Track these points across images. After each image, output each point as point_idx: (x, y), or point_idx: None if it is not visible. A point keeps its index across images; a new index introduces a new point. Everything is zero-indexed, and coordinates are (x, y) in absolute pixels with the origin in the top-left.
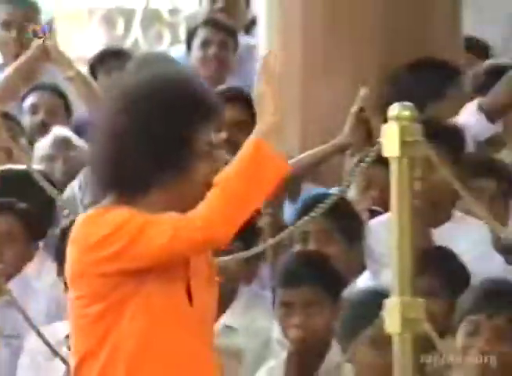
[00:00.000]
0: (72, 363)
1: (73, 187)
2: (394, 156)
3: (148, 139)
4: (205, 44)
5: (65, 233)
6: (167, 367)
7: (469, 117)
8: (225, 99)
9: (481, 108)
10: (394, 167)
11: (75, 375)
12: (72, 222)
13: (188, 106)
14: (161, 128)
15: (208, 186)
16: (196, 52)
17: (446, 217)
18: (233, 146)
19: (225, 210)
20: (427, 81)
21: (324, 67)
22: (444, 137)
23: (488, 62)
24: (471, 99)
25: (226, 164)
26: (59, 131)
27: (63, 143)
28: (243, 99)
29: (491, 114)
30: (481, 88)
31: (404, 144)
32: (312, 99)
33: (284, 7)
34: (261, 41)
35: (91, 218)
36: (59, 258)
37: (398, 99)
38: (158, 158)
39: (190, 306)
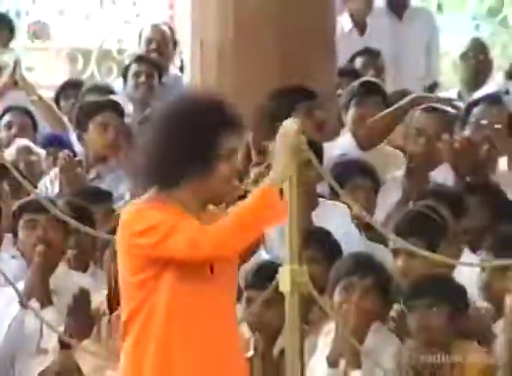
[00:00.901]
0: (123, 318)
1: (46, 182)
2: None
3: (181, 146)
4: (136, 74)
5: (15, 214)
6: (193, 322)
7: (345, 144)
8: None
9: (356, 139)
10: None
11: (124, 327)
12: (20, 205)
13: (213, 121)
14: (191, 138)
15: (229, 185)
16: (130, 81)
17: (316, 204)
18: None
19: (231, 235)
20: (280, 103)
21: (235, 89)
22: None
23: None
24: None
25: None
26: (21, 141)
27: (24, 150)
28: None
29: (363, 145)
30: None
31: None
32: None
33: (203, 50)
34: (185, 72)
35: (138, 211)
36: (14, 232)
37: (264, 119)
38: (188, 160)
39: (211, 274)
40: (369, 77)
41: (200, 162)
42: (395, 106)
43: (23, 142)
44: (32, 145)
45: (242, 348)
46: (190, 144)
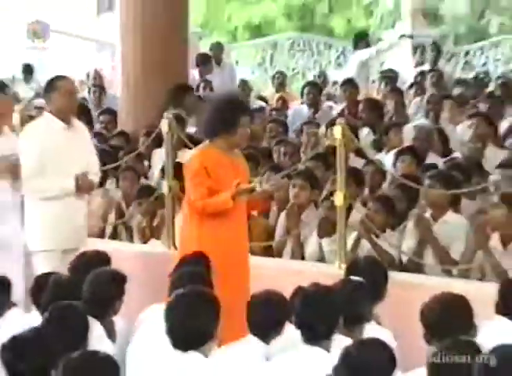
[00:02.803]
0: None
1: None
2: None
3: (218, 119)
4: (93, 92)
5: None
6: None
7: None
8: None
9: None
10: None
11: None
12: None
13: (236, 107)
14: (226, 116)
15: (244, 141)
16: (91, 95)
17: None
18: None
19: (203, 210)
20: None
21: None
22: None
23: None
24: None
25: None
26: None
27: None
28: None
29: None
30: None
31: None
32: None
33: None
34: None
35: (194, 156)
36: None
37: None
38: (222, 126)
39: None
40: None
41: (230, 128)
42: None
43: None
44: None
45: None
46: (226, 119)
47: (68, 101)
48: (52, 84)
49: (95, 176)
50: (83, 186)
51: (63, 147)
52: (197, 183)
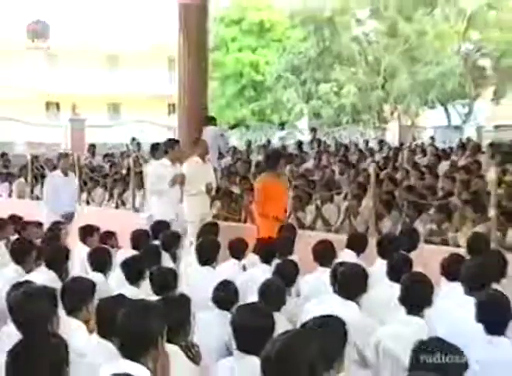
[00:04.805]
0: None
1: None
2: None
3: (268, 161)
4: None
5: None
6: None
7: None
8: None
9: None
10: None
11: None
12: None
13: (276, 155)
14: (270, 160)
15: (282, 170)
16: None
17: None
18: None
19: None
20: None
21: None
22: None
23: None
24: None
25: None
26: None
27: None
28: None
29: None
30: None
31: None
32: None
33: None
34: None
35: (260, 180)
36: None
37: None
38: (270, 165)
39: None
40: None
41: (274, 166)
42: None
43: None
44: None
45: None
46: (271, 162)
47: (204, 150)
48: (197, 142)
49: (214, 185)
50: (209, 189)
51: (200, 170)
52: (258, 194)
